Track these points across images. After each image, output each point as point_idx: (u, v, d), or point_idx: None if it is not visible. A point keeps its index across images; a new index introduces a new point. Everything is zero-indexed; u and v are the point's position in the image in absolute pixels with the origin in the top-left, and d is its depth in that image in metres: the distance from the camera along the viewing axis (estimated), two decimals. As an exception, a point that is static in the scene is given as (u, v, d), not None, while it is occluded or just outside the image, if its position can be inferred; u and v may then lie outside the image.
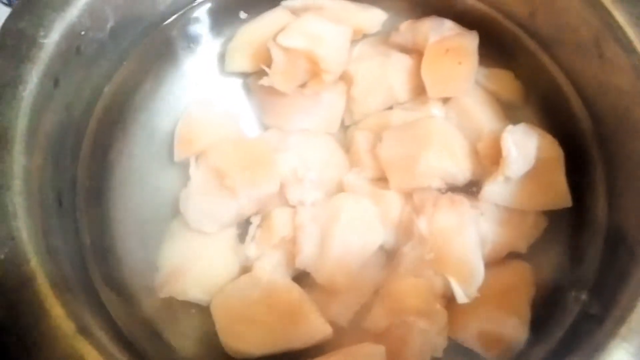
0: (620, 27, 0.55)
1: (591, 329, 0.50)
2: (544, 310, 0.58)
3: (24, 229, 0.44)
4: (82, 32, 0.55)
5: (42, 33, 0.51)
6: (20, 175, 0.46)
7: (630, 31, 0.55)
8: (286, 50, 0.62)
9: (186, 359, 0.57)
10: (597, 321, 0.50)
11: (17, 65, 0.50)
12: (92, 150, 0.61)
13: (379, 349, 0.52)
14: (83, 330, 0.41)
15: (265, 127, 0.67)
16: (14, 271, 0.42)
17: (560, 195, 0.60)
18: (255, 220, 0.60)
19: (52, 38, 0.52)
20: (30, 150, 0.48)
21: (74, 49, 0.55)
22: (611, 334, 0.46)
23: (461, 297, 0.55)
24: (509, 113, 0.66)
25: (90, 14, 0.55)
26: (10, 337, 0.41)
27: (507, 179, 0.58)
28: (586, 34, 0.59)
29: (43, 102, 0.51)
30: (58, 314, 0.41)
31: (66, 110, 0.56)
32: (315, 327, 0.55)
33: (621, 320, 0.47)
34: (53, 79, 0.52)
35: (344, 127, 0.67)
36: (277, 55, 0.62)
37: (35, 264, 0.43)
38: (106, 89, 0.63)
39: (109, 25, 0.59)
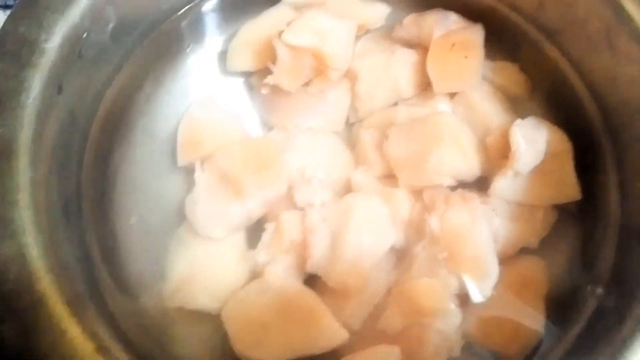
0: (631, 18, 0.55)
1: (611, 325, 0.50)
2: (560, 305, 0.57)
3: (33, 245, 0.43)
4: (84, 35, 0.53)
5: (43, 37, 0.49)
6: (27, 188, 0.44)
7: (641, 22, 0.54)
8: (292, 47, 0.60)
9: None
10: (617, 317, 0.50)
11: (19, 72, 0.48)
12: (95, 157, 0.59)
13: (394, 350, 0.52)
14: (101, 350, 0.40)
15: (269, 127, 0.66)
16: (26, 290, 0.41)
17: (569, 188, 0.60)
18: (269, 227, 0.58)
19: (54, 42, 0.49)
20: (35, 160, 0.46)
21: (76, 53, 0.53)
22: (635, 330, 0.46)
23: (476, 296, 0.55)
24: (516, 107, 0.65)
25: (92, 15, 0.53)
26: (27, 361, 0.39)
27: (517, 173, 0.58)
28: (596, 25, 0.58)
29: (47, 109, 0.49)
30: (75, 334, 0.40)
31: (70, 117, 0.54)
32: (331, 332, 0.53)
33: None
34: (57, 86, 0.50)
35: (349, 125, 0.66)
36: (282, 53, 0.60)
37: (48, 281, 0.41)
38: (107, 93, 0.61)
39: (110, 27, 0.57)
